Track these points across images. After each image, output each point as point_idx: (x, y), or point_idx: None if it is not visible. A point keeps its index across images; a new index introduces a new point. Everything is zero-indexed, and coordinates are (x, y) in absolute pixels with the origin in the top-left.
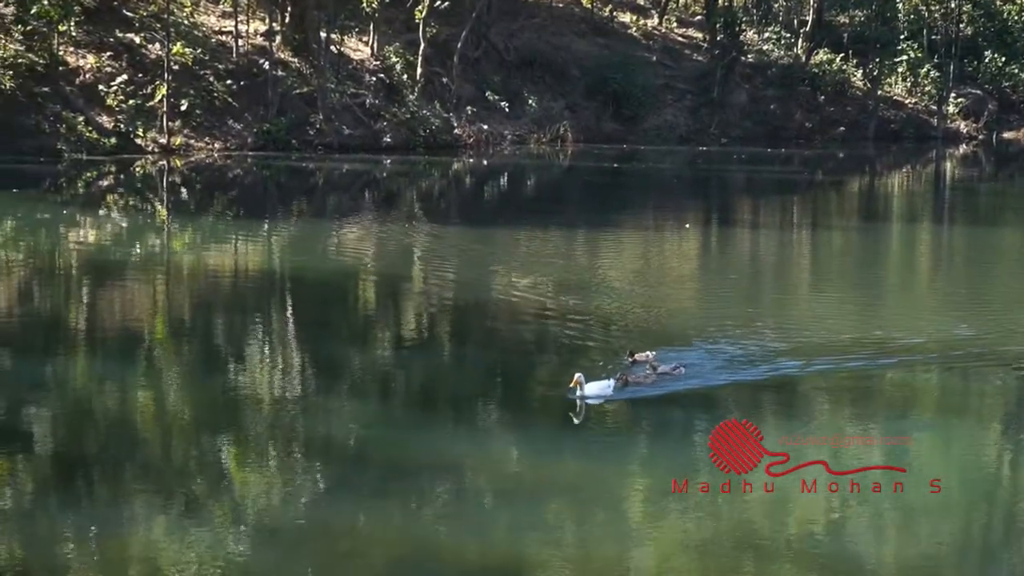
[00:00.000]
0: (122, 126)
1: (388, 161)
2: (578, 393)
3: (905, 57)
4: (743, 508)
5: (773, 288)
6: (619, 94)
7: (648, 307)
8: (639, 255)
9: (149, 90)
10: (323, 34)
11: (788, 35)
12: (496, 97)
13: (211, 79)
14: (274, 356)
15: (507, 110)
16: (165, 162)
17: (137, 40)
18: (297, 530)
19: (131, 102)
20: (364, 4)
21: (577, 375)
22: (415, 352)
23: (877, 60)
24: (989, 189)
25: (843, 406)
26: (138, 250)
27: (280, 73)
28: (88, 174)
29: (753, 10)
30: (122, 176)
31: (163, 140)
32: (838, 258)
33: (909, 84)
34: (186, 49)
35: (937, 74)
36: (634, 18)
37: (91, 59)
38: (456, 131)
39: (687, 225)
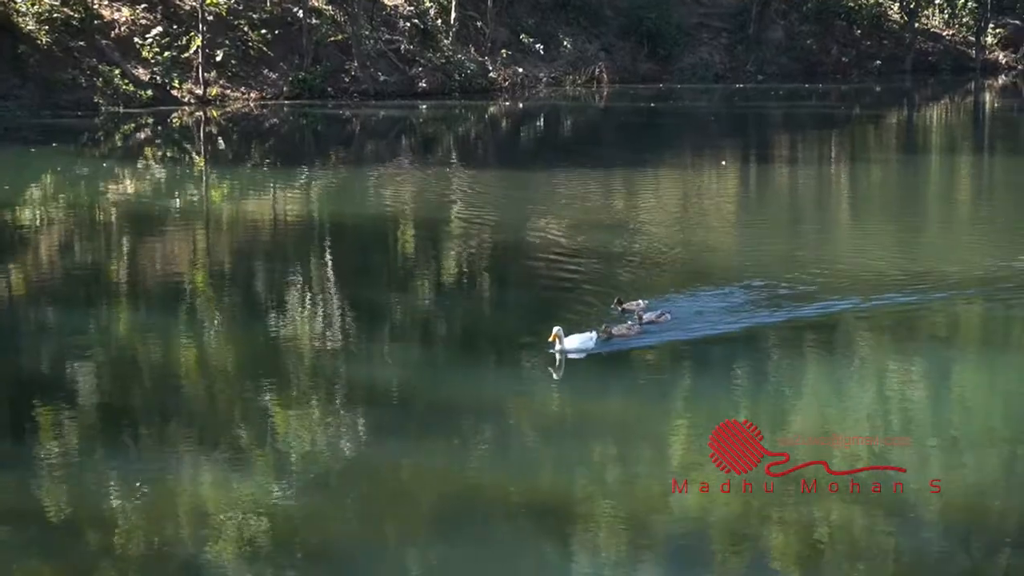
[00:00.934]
0: (158, 78)
1: (424, 106)
2: (557, 347)
3: None
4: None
5: (812, 223)
6: (654, 33)
7: (685, 245)
8: (676, 194)
9: (184, 41)
10: None
11: None
12: (531, 40)
13: (245, 28)
14: (315, 302)
15: (542, 52)
16: (201, 113)
17: None
18: (342, 474)
19: (166, 54)
20: None
21: (556, 329)
22: (455, 295)
23: None
24: None
25: (885, 343)
26: (177, 201)
27: (314, 21)
28: (125, 127)
29: None
30: (159, 128)
31: (199, 91)
32: (878, 192)
33: (946, 15)
34: None
35: (975, 4)
36: None
37: (126, 12)
38: (491, 75)
39: (723, 162)
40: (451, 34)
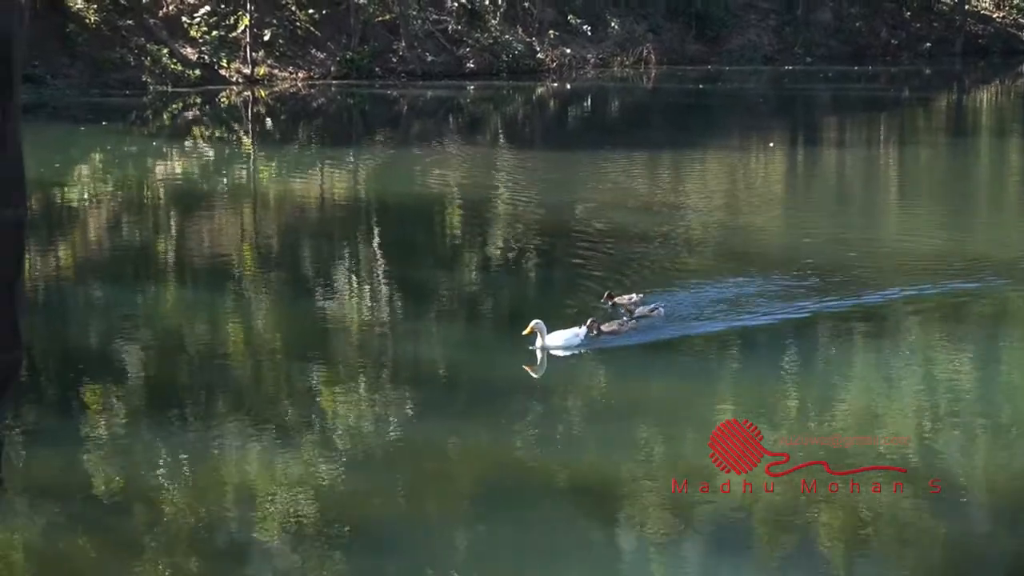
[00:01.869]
0: (206, 57)
1: (471, 87)
2: (537, 343)
3: None
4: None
5: (858, 207)
6: (702, 15)
7: (728, 228)
8: (722, 176)
9: (232, 21)
10: None
11: None
12: (578, 20)
13: (293, 8)
14: (360, 281)
15: (589, 33)
16: (249, 92)
17: None
18: (387, 452)
19: (214, 33)
20: None
21: (534, 322)
22: (499, 274)
23: None
24: None
25: (934, 330)
26: (225, 180)
27: (362, 1)
28: (173, 106)
29: None
30: (207, 107)
31: (247, 70)
32: (926, 175)
33: None
34: None
35: None
36: None
37: None
38: (538, 55)
39: (771, 144)
40: (499, 14)
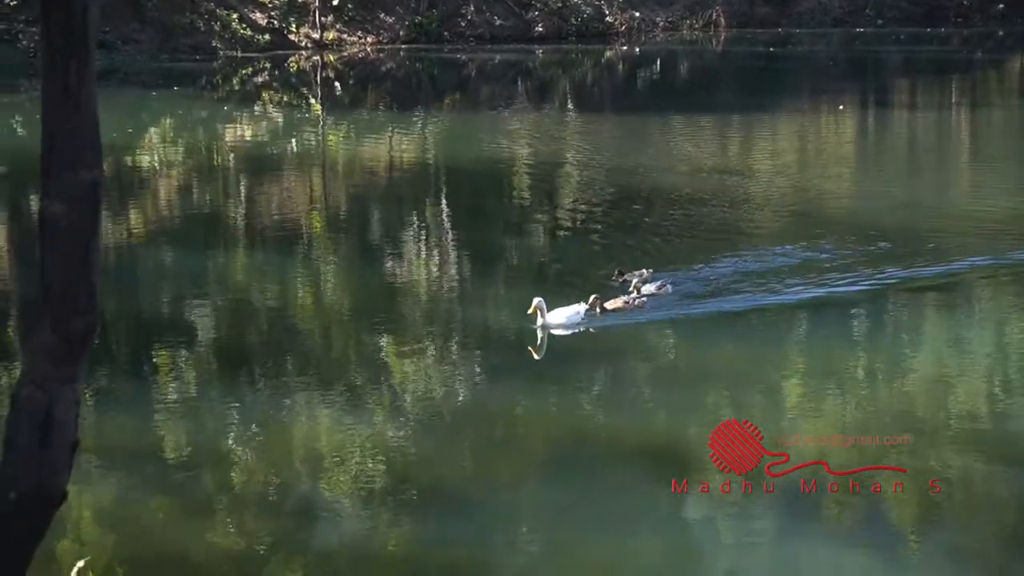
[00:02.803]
0: (275, 22)
1: (540, 51)
2: (539, 322)
3: None
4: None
5: (930, 170)
6: None
7: (795, 192)
8: (791, 139)
9: None
10: None
11: None
12: None
13: None
14: (429, 245)
15: None
16: (318, 57)
17: None
18: (456, 415)
19: None
20: None
21: (536, 300)
22: (567, 240)
23: None
24: None
25: (1007, 299)
26: (293, 145)
27: None
28: (243, 71)
29: None
30: (276, 72)
31: (316, 35)
32: (999, 138)
33: None
34: None
35: None
36: None
37: None
38: (607, 19)
39: (841, 107)
40: None
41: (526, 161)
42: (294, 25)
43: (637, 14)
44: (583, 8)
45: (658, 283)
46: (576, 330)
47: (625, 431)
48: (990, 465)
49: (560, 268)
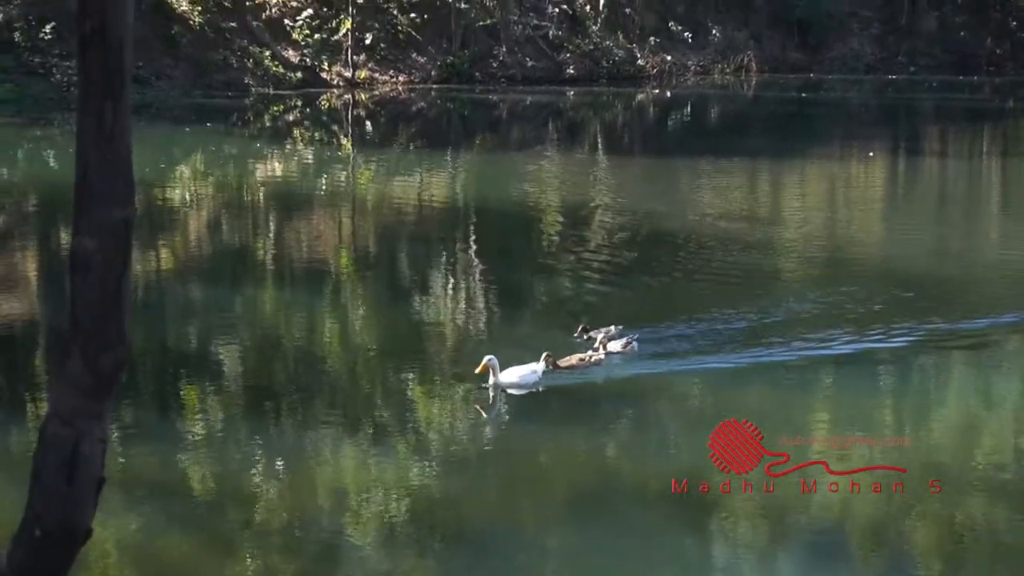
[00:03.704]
0: (307, 60)
1: (571, 93)
2: (490, 381)
3: None
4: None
5: (960, 218)
6: (804, 22)
7: (827, 239)
8: (820, 185)
9: (334, 24)
10: None
11: None
12: (679, 27)
13: (395, 12)
14: (457, 285)
15: (690, 40)
16: (350, 95)
17: None
18: (481, 455)
19: (316, 36)
20: None
21: (487, 359)
22: (595, 282)
23: None
24: None
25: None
26: (324, 182)
27: (463, 6)
28: (275, 108)
29: None
30: (308, 110)
31: (348, 74)
32: None
33: None
34: None
35: None
36: None
37: None
38: (639, 62)
39: (871, 153)
40: (599, 20)
41: (553, 203)
42: (326, 63)
43: (668, 58)
44: (615, 51)
45: (623, 341)
46: (534, 390)
47: (644, 474)
48: (1013, 514)
49: (584, 311)
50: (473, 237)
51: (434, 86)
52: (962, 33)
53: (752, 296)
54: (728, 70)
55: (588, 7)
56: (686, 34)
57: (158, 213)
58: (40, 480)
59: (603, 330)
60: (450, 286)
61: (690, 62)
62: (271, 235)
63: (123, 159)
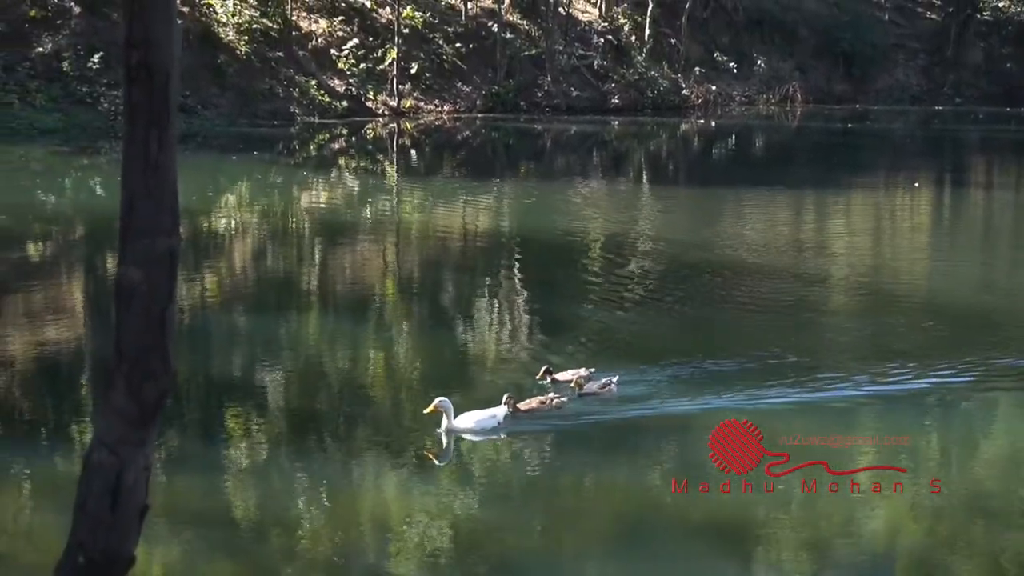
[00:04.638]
0: (353, 89)
1: (616, 122)
2: (444, 426)
3: None
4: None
5: (1005, 252)
6: (849, 54)
7: (873, 269)
8: (866, 216)
9: (379, 54)
10: None
11: None
12: (724, 58)
13: (440, 42)
14: (500, 315)
15: (735, 71)
16: (395, 124)
17: (368, 4)
18: (524, 486)
19: (362, 66)
20: None
21: (437, 400)
22: (637, 314)
23: None
24: None
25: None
26: (369, 211)
27: (509, 35)
28: (320, 137)
29: None
30: (353, 138)
31: (393, 103)
32: None
33: None
34: (416, 13)
35: None
36: None
37: (323, 23)
38: (684, 92)
39: (916, 184)
40: (645, 50)
41: (597, 233)
42: (372, 92)
43: (713, 88)
44: (660, 81)
45: (601, 382)
46: (491, 437)
47: (691, 503)
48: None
49: (627, 341)
50: (516, 266)
51: (479, 115)
52: (1008, 64)
53: (790, 328)
54: (773, 100)
55: (633, 37)
56: (731, 64)
57: (203, 241)
58: (84, 507)
59: (571, 372)
60: (494, 316)
61: (735, 92)
62: (316, 263)
63: (168, 189)
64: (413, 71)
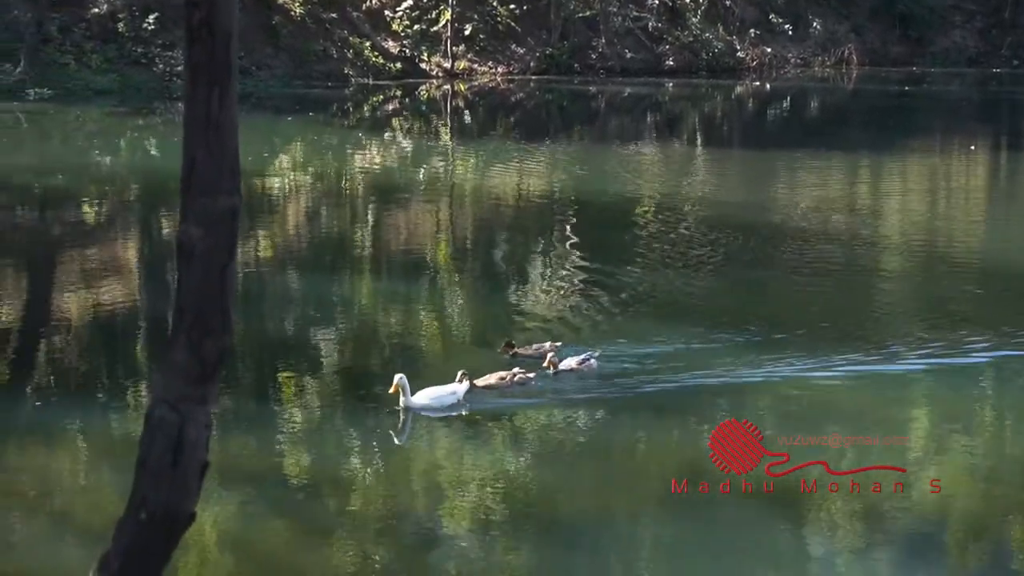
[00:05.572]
0: (407, 51)
1: (670, 85)
2: (401, 402)
3: None
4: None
5: None
6: (906, 15)
7: (928, 233)
8: (922, 179)
9: (434, 15)
10: None
11: None
12: (780, 20)
13: (495, 3)
14: (554, 276)
15: (791, 33)
16: (449, 86)
17: None
18: (577, 447)
19: (416, 27)
20: None
21: (397, 377)
22: (690, 275)
23: None
24: None
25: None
26: (422, 173)
27: None
28: (374, 98)
29: None
30: (407, 100)
31: (447, 64)
32: None
33: None
34: None
35: None
36: None
37: None
38: (739, 54)
39: (972, 148)
40: (699, 12)
41: (650, 195)
42: (426, 54)
43: (768, 50)
44: (714, 43)
45: (580, 357)
46: (450, 413)
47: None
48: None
49: (680, 304)
50: (569, 228)
51: (533, 77)
52: None
53: (847, 293)
54: (828, 63)
55: None
56: (786, 26)
57: (258, 202)
58: (146, 464)
59: (533, 346)
60: (546, 278)
61: (790, 55)
62: (369, 225)
63: (229, 148)
64: (467, 33)
